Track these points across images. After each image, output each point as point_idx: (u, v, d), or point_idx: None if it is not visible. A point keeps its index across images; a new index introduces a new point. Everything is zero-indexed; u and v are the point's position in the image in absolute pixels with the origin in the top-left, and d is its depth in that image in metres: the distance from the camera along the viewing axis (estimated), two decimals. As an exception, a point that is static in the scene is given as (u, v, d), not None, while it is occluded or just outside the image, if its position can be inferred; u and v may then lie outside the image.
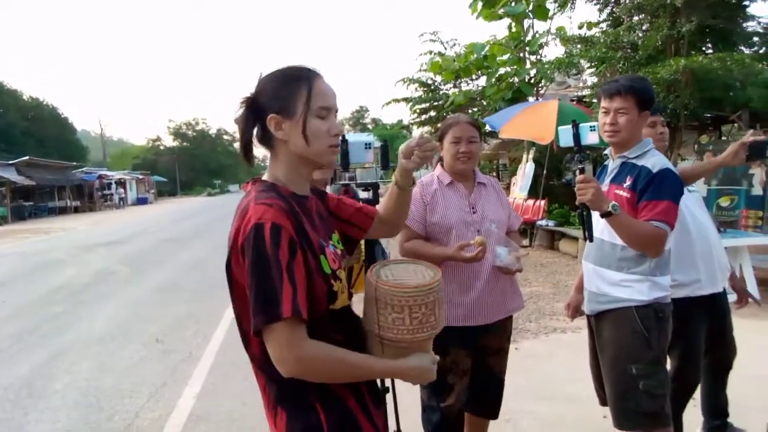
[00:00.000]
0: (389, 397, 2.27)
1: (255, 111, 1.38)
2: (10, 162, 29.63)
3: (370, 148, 1.72)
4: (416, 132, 19.02)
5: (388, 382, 2.34)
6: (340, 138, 1.45)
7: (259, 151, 1.49)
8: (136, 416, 3.84)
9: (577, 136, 2.16)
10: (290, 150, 1.38)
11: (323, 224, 1.45)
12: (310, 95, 1.34)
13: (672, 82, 6.95)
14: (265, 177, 1.43)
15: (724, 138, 8.22)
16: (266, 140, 1.41)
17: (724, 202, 7.32)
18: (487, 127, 10.22)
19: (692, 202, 2.74)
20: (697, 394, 2.97)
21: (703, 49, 8.45)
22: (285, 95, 1.35)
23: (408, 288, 1.34)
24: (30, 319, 6.77)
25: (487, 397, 2.61)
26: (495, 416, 2.65)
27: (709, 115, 8.15)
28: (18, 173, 29.17)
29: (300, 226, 1.31)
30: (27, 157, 30.87)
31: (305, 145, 1.36)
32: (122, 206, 34.45)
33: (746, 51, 8.48)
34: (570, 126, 2.18)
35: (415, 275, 1.42)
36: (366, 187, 1.97)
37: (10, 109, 43.88)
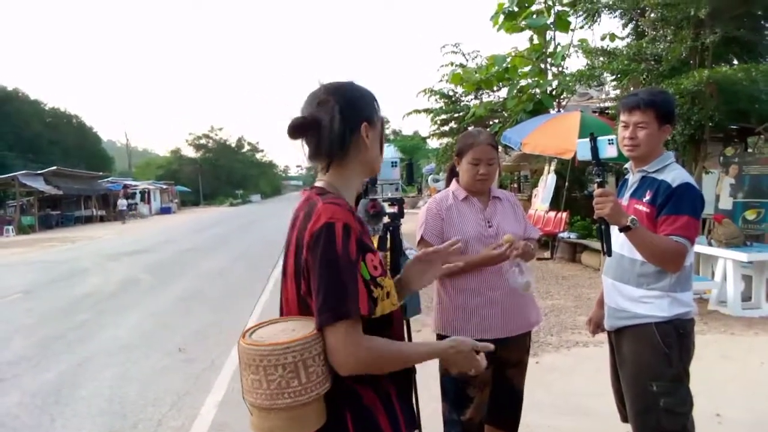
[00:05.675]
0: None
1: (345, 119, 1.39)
2: (39, 172, 30.23)
3: (396, 165, 1.80)
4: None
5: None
6: None
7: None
8: (159, 424, 3.90)
9: (595, 150, 2.15)
10: (365, 157, 1.45)
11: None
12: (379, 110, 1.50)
13: (696, 94, 6.86)
14: (319, 184, 1.44)
15: (749, 150, 8.08)
16: (342, 148, 1.39)
17: (750, 215, 7.19)
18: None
19: None
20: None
21: (728, 60, 8.34)
22: (371, 107, 1.47)
23: (262, 345, 1.24)
24: (56, 326, 6.91)
25: (506, 409, 2.60)
26: (514, 429, 2.64)
27: (734, 126, 8.03)
28: (46, 183, 29.73)
29: (361, 228, 1.36)
30: (54, 167, 31.38)
31: (379, 152, 1.50)
32: (125, 219, 33.34)
33: (772, 62, 8.36)
34: (588, 139, 2.17)
35: (283, 333, 1.28)
36: (392, 202, 2.02)
37: (36, 119, 44.64)
